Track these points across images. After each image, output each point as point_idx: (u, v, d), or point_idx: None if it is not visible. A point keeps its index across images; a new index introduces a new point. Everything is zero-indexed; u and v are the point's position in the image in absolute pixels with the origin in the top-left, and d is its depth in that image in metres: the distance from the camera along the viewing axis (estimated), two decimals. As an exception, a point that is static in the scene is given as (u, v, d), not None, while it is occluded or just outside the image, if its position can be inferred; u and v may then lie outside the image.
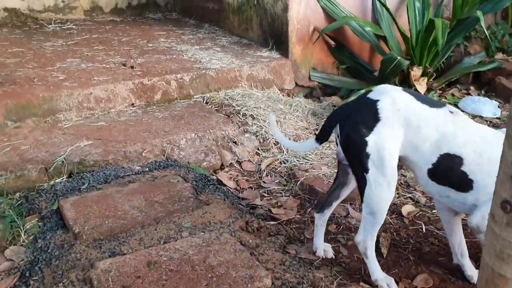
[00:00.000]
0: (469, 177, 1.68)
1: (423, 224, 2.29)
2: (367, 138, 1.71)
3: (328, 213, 2.01)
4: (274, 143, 2.93)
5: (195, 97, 3.35)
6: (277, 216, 2.30)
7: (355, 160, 1.76)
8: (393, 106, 1.72)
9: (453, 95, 3.96)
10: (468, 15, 3.36)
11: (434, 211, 2.37)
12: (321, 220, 2.00)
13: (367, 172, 1.72)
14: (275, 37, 3.83)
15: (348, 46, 3.94)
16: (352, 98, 3.03)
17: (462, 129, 1.71)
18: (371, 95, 1.78)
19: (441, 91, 3.96)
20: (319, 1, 3.70)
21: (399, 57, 3.47)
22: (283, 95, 3.63)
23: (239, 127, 2.95)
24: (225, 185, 2.56)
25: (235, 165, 2.79)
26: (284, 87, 3.73)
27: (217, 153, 2.76)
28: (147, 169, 2.55)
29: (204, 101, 3.31)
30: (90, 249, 1.88)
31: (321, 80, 3.89)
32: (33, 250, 1.92)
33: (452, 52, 4.02)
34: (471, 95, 3.92)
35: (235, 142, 2.85)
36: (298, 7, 3.62)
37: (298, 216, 2.33)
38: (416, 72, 3.62)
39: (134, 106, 3.15)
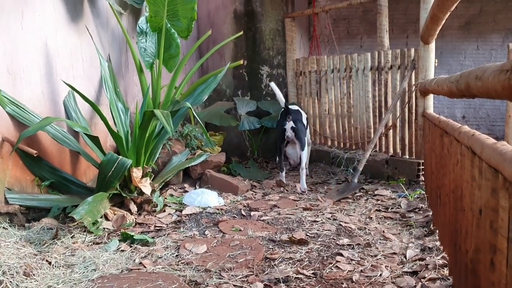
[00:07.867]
0: None
1: None
2: None
3: None
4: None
5: None
6: None
7: None
8: None
9: (171, 195, 3.80)
10: (180, 106, 3.35)
11: None
12: None
13: None
14: None
15: (47, 159, 3.26)
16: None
17: None
18: None
19: (160, 192, 3.74)
20: (4, 107, 2.96)
21: (120, 156, 3.09)
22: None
23: None
24: None
25: None
26: (-27, 218, 2.69)
27: None
28: None
29: None
30: None
31: (22, 202, 3.01)
32: None
33: (159, 154, 3.94)
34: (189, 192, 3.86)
35: None
36: (-22, 113, 2.78)
37: None
38: (137, 173, 3.29)
39: None
